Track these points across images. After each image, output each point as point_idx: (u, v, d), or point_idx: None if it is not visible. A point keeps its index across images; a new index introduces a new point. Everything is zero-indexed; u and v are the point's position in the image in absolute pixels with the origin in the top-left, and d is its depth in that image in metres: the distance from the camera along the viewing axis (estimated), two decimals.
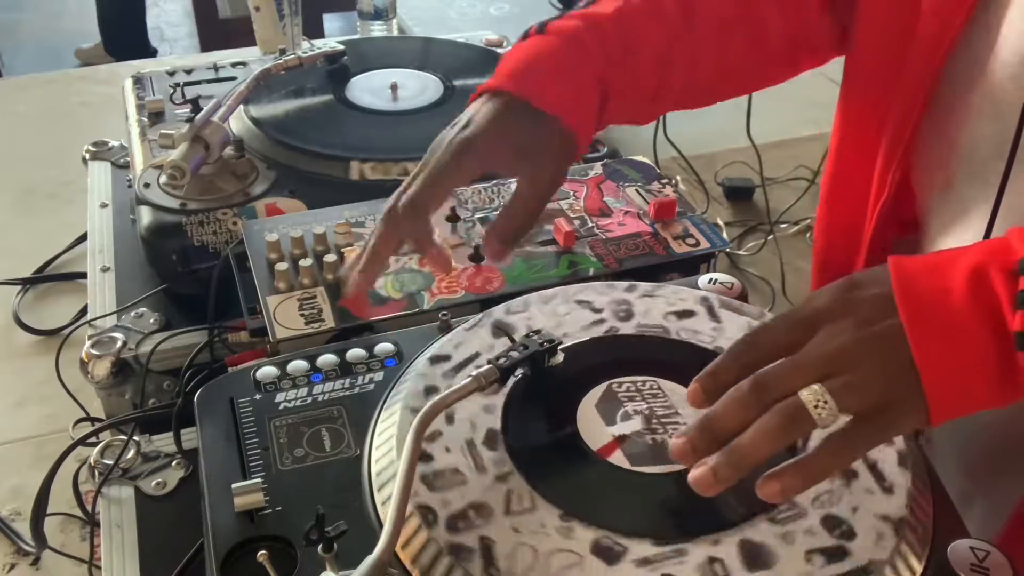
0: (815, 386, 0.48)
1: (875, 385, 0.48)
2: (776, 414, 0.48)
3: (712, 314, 0.69)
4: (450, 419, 0.59)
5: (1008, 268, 0.49)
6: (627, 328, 0.67)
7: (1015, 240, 0.50)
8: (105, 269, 0.93)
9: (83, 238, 1.10)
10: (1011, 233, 0.51)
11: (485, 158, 0.67)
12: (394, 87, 1.05)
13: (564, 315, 0.68)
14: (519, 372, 0.61)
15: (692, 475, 0.50)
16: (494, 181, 0.89)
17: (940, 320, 0.49)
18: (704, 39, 0.73)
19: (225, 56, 1.20)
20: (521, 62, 0.69)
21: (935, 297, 0.49)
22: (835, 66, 0.86)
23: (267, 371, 0.66)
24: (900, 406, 0.49)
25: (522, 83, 0.67)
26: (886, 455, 0.57)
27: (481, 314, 0.69)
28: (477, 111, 0.68)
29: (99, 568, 0.65)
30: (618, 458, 0.57)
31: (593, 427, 0.59)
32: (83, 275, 1.03)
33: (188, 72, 1.11)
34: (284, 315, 0.73)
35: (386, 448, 0.58)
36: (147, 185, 0.89)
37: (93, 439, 0.74)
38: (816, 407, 0.48)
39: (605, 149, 0.98)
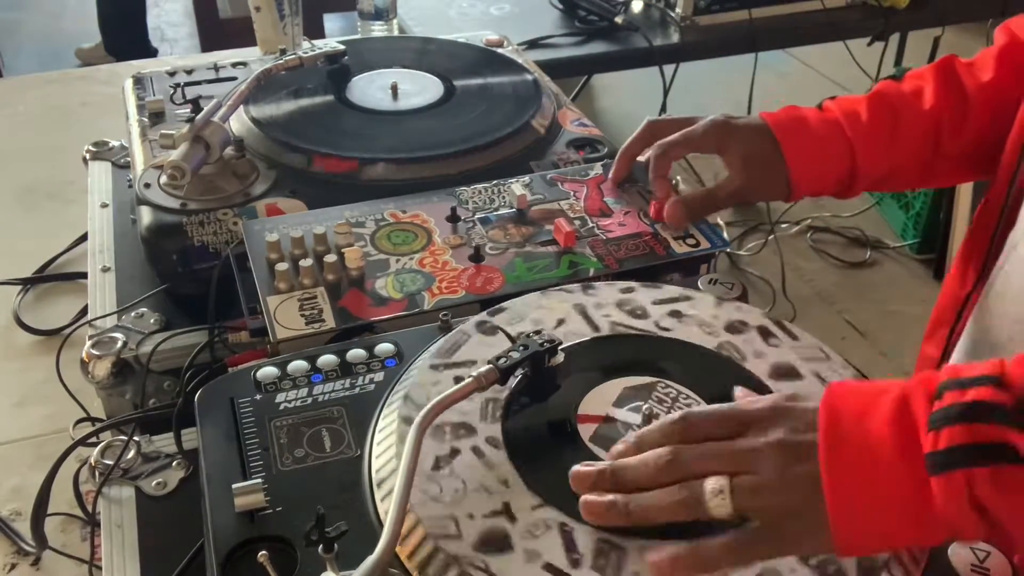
0: (721, 478, 0.50)
1: (777, 494, 0.50)
2: (678, 490, 0.51)
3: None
4: (450, 427, 0.59)
5: (929, 393, 0.49)
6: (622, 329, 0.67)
7: (946, 370, 0.50)
8: (105, 269, 0.93)
9: (83, 238, 1.10)
10: (948, 368, 0.51)
11: (724, 142, 0.83)
12: (394, 87, 1.05)
13: (560, 318, 0.68)
14: (519, 372, 0.61)
15: (588, 498, 0.53)
16: (495, 181, 0.89)
17: (856, 445, 0.49)
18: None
19: (225, 56, 1.20)
20: (794, 122, 0.83)
21: (856, 422, 0.49)
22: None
23: (267, 371, 0.66)
24: (800, 523, 0.49)
25: (786, 134, 0.82)
26: None
27: (483, 312, 0.69)
28: (750, 117, 0.84)
29: (99, 568, 0.65)
30: (586, 431, 0.58)
31: (602, 401, 0.60)
32: (83, 275, 1.03)
33: (188, 72, 1.11)
34: (284, 315, 0.73)
35: (386, 448, 0.58)
36: (147, 185, 0.89)
37: (93, 439, 0.73)
38: (713, 497, 0.50)
39: (605, 149, 0.98)
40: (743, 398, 0.58)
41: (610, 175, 0.90)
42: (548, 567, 0.51)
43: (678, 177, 0.87)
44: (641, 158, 0.88)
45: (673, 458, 0.52)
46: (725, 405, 0.54)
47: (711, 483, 0.50)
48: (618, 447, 0.55)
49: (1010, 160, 0.78)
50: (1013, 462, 0.46)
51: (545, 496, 0.55)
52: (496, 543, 0.52)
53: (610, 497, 0.52)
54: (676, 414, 0.54)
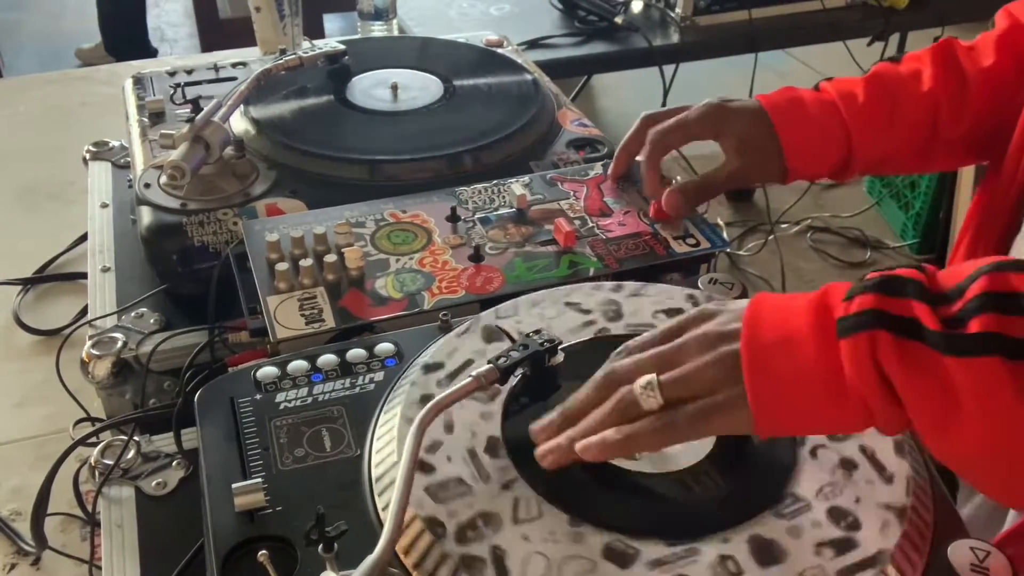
0: (649, 376, 0.52)
1: (701, 380, 0.51)
2: (613, 400, 0.53)
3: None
4: (449, 427, 0.59)
5: (850, 285, 0.50)
6: (617, 328, 0.67)
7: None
8: (105, 269, 0.93)
9: (83, 238, 1.10)
10: None
11: (719, 126, 0.83)
12: (394, 87, 1.05)
13: (552, 318, 0.68)
14: (519, 372, 0.61)
15: (540, 448, 0.55)
16: (495, 181, 0.89)
17: (775, 324, 0.51)
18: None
19: (225, 56, 1.20)
20: (790, 104, 0.82)
21: (778, 311, 0.51)
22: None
23: (267, 371, 0.66)
24: (722, 401, 0.51)
25: (781, 117, 0.81)
26: (883, 445, 0.57)
27: (480, 314, 0.69)
28: (745, 100, 0.84)
29: (99, 568, 0.65)
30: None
31: None
32: (83, 275, 1.03)
33: (188, 72, 1.11)
34: (284, 315, 0.73)
35: (386, 448, 0.58)
36: (147, 185, 0.89)
37: (93, 439, 0.73)
38: (642, 394, 0.52)
39: (605, 149, 0.98)
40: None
41: (609, 172, 0.90)
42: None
43: (677, 177, 0.87)
44: (640, 157, 0.88)
45: (607, 374, 0.55)
46: (660, 325, 0.57)
47: (639, 383, 0.52)
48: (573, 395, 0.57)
49: (1014, 166, 0.77)
50: (915, 337, 0.47)
51: (546, 495, 0.55)
52: (508, 552, 0.52)
53: (556, 439, 0.55)
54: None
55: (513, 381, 0.62)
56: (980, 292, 0.46)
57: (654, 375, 0.52)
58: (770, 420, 0.50)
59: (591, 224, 0.84)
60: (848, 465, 0.56)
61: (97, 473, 0.70)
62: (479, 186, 0.89)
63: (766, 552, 0.52)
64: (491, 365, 0.59)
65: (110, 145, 1.13)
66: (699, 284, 0.75)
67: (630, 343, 0.57)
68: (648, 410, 0.52)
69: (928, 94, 0.82)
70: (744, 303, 0.54)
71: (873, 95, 0.82)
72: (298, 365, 0.67)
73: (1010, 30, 0.82)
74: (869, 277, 0.50)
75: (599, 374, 0.56)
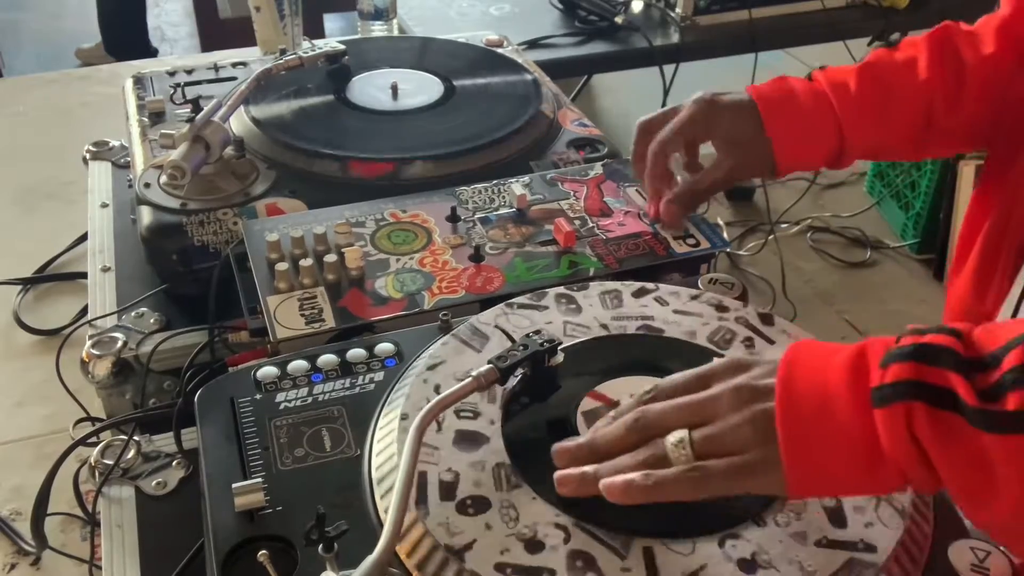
0: (681, 432, 0.52)
1: (734, 438, 0.50)
2: (644, 450, 0.53)
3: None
4: (450, 427, 0.59)
5: (888, 344, 0.49)
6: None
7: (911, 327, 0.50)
8: (106, 269, 0.93)
9: (84, 238, 1.11)
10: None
11: (710, 125, 0.82)
12: (394, 87, 1.05)
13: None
14: (519, 372, 0.61)
15: (561, 473, 0.54)
16: (495, 181, 0.89)
17: (810, 383, 0.50)
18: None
19: (226, 56, 1.20)
20: (781, 96, 0.82)
21: (815, 371, 0.50)
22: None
23: (267, 371, 0.66)
24: (753, 465, 0.50)
25: (770, 110, 0.81)
26: None
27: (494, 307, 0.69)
28: (733, 93, 0.83)
29: (99, 568, 0.65)
30: (591, 415, 0.59)
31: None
32: (83, 275, 1.03)
33: (189, 72, 1.11)
34: (285, 315, 0.73)
35: (386, 448, 0.58)
36: (147, 185, 0.89)
37: (93, 439, 0.73)
38: (674, 451, 0.51)
39: (605, 149, 0.98)
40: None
41: (647, 206, 0.86)
42: (549, 567, 0.51)
43: (679, 177, 0.87)
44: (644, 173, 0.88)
45: (639, 417, 0.54)
46: (691, 369, 0.56)
47: (672, 436, 0.52)
48: (598, 423, 0.57)
49: None
50: (951, 409, 0.46)
51: (546, 495, 0.55)
52: (496, 543, 0.52)
53: (581, 468, 0.54)
54: (648, 385, 0.56)
55: (513, 381, 0.62)
56: (1016, 364, 0.45)
57: (686, 432, 0.51)
58: (802, 484, 0.50)
59: (591, 224, 0.84)
60: None
61: (97, 473, 0.70)
62: (479, 186, 0.89)
63: (764, 553, 0.52)
64: (491, 365, 0.59)
65: (110, 145, 1.13)
66: (699, 284, 0.75)
67: (661, 385, 0.56)
68: (677, 467, 0.51)
69: (923, 84, 0.80)
70: (778, 355, 0.52)
71: (866, 85, 0.80)
72: (298, 365, 0.67)
73: (1013, 15, 0.80)
74: (905, 341, 0.48)
75: (630, 416, 0.54)
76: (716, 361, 0.55)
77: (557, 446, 0.56)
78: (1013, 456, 0.44)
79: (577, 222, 0.84)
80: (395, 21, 1.56)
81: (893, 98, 0.80)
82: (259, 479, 0.57)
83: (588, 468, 0.54)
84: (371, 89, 1.05)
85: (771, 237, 2.06)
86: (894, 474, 0.48)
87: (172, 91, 1.04)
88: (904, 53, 0.82)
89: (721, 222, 2.08)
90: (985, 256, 0.80)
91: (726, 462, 0.50)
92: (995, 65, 0.79)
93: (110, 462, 0.70)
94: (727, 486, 0.51)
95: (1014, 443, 0.44)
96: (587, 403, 0.61)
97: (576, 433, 0.59)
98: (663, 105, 1.68)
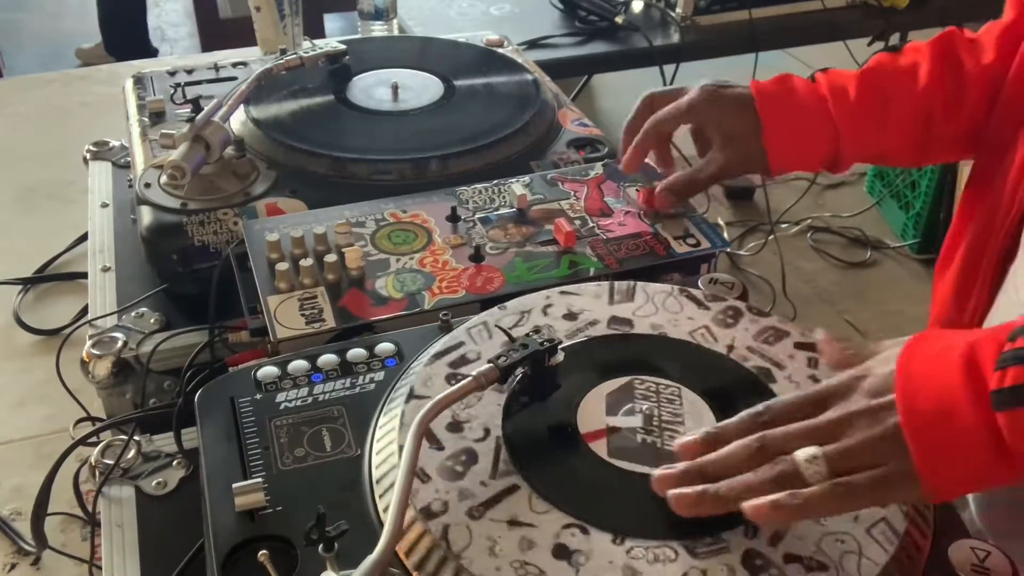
0: (812, 448, 0.51)
1: (867, 455, 0.50)
2: (772, 466, 0.51)
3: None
4: (450, 427, 0.59)
5: (999, 340, 0.49)
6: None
7: (1019, 320, 0.50)
8: (106, 269, 0.93)
9: (84, 238, 1.11)
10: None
11: (709, 115, 0.82)
12: (394, 87, 1.05)
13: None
14: (519, 371, 0.61)
15: (676, 492, 0.53)
16: (495, 181, 0.89)
17: (930, 395, 0.50)
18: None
19: (226, 56, 1.20)
20: (781, 94, 0.82)
21: (930, 373, 0.50)
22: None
23: (268, 371, 0.66)
24: (891, 475, 0.50)
25: (768, 109, 0.80)
26: None
27: (482, 314, 0.69)
28: (738, 86, 0.83)
29: (99, 568, 0.65)
30: (600, 447, 0.58)
31: (593, 416, 0.60)
32: (84, 275, 1.03)
33: (189, 72, 1.11)
34: (285, 315, 0.73)
35: (386, 448, 0.58)
36: (148, 185, 0.89)
37: (94, 439, 0.73)
38: (808, 467, 0.50)
39: (605, 149, 0.98)
40: (826, 342, 0.62)
41: (619, 159, 0.89)
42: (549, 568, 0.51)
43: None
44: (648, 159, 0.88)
45: (762, 444, 0.52)
46: (803, 391, 0.55)
47: (801, 454, 0.51)
48: (687, 440, 0.55)
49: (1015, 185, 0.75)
50: None
51: (546, 495, 0.55)
52: (496, 542, 0.52)
53: (700, 487, 0.52)
54: (757, 406, 0.55)
55: (513, 381, 0.62)
56: None
57: (818, 448, 0.51)
58: (940, 489, 0.50)
59: (591, 224, 0.84)
60: None
61: (97, 473, 0.70)
62: (479, 186, 0.89)
63: (761, 553, 0.52)
64: (491, 364, 0.59)
65: (110, 145, 1.13)
66: (699, 284, 0.75)
67: (773, 406, 0.54)
68: (811, 482, 0.51)
69: (923, 91, 0.80)
70: (890, 363, 0.52)
71: (865, 92, 0.80)
72: (298, 365, 0.67)
73: (1016, 22, 0.80)
74: (1020, 343, 0.48)
75: (752, 440, 0.53)
76: (830, 381, 0.54)
77: (660, 475, 0.54)
78: None
79: (577, 222, 0.84)
80: (395, 21, 1.56)
81: (892, 105, 0.80)
82: (259, 479, 0.57)
83: (708, 486, 0.52)
84: (371, 89, 1.05)
85: (771, 237, 2.06)
86: (1021, 467, 0.49)
87: (172, 91, 1.05)
88: (906, 59, 0.82)
89: (721, 222, 2.08)
90: (967, 263, 0.80)
91: (868, 476, 0.50)
92: (996, 73, 0.79)
93: (110, 462, 0.70)
94: (871, 499, 0.51)
95: None
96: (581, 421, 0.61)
97: (577, 434, 0.59)
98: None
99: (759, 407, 0.55)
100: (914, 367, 0.51)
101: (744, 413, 0.55)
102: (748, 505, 0.50)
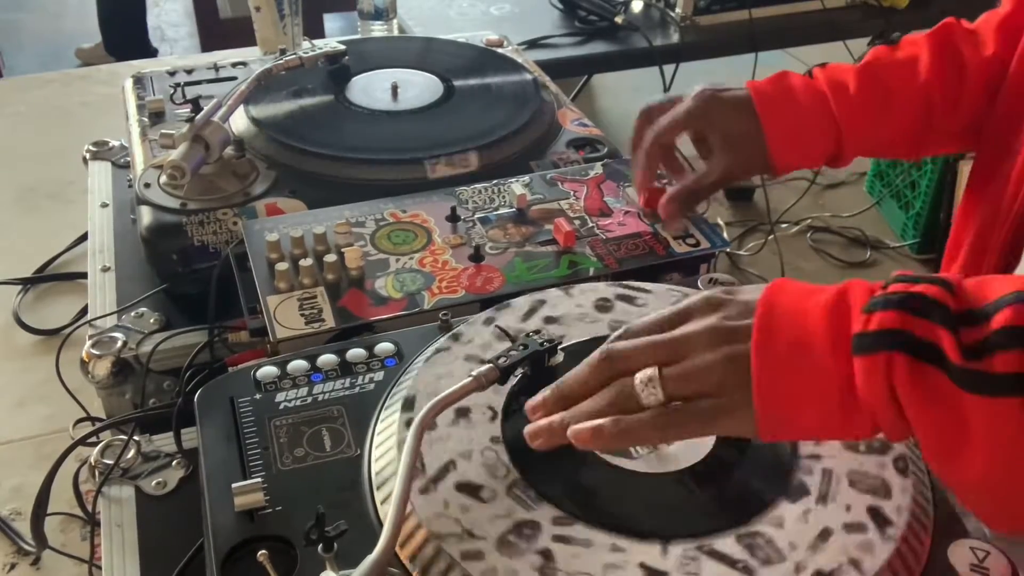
0: (650, 370, 0.50)
1: (707, 377, 0.49)
2: (610, 389, 0.51)
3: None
4: (450, 427, 0.59)
5: (871, 289, 0.48)
6: None
7: (896, 272, 0.49)
8: (105, 269, 0.93)
9: (83, 238, 1.11)
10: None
11: (709, 121, 0.81)
12: (394, 87, 1.05)
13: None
14: (519, 371, 0.61)
15: (531, 426, 0.53)
16: (495, 181, 0.89)
17: (788, 326, 0.48)
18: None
19: (226, 56, 1.20)
20: (780, 94, 0.80)
21: (793, 314, 0.49)
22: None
23: (267, 371, 0.66)
24: (727, 408, 0.49)
25: (768, 110, 0.79)
26: (887, 456, 0.57)
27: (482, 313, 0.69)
28: (735, 89, 0.81)
29: (99, 568, 0.65)
30: None
31: None
32: (83, 275, 1.03)
33: (188, 72, 1.11)
34: (284, 315, 0.73)
35: (386, 448, 0.58)
36: (147, 185, 0.89)
37: (93, 439, 0.73)
38: (644, 387, 0.50)
39: (605, 149, 0.98)
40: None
41: (639, 199, 0.87)
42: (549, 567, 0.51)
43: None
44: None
45: (606, 355, 0.52)
46: (665, 309, 0.54)
47: (639, 376, 0.50)
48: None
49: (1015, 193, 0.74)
50: (934, 363, 0.45)
51: (547, 495, 0.55)
52: (496, 543, 0.52)
53: (549, 418, 0.53)
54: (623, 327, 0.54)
55: (513, 381, 0.62)
56: (1006, 324, 0.44)
57: (655, 369, 0.50)
58: (775, 427, 0.49)
59: (591, 224, 0.84)
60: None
61: (97, 473, 0.70)
62: (479, 186, 0.89)
63: (760, 551, 0.52)
64: (491, 365, 0.59)
65: (110, 145, 1.13)
66: (699, 284, 0.75)
67: (632, 325, 0.54)
68: (647, 405, 0.50)
69: (923, 84, 0.79)
70: (755, 293, 0.51)
71: (865, 85, 0.79)
72: (298, 365, 0.67)
73: (1014, 13, 0.79)
74: (892, 289, 0.47)
75: (596, 354, 0.53)
76: (690, 298, 0.53)
77: (529, 402, 0.55)
78: (992, 419, 0.44)
79: (577, 222, 0.84)
80: (395, 21, 1.56)
81: (892, 98, 0.80)
82: (259, 479, 0.57)
83: (555, 416, 0.52)
84: (371, 89, 1.05)
85: (771, 237, 2.06)
86: (867, 422, 0.47)
87: (172, 91, 1.05)
88: (905, 52, 0.81)
89: (721, 222, 2.08)
90: (971, 260, 0.80)
91: (696, 405, 0.49)
92: (995, 65, 0.78)
93: (110, 462, 0.70)
94: (697, 430, 0.50)
95: (995, 406, 0.44)
96: None
97: None
98: None
99: (621, 330, 0.54)
100: (779, 299, 0.50)
101: (611, 336, 0.54)
102: (572, 430, 0.50)
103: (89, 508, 0.70)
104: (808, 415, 0.48)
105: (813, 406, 0.48)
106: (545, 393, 0.55)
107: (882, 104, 0.80)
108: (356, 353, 0.68)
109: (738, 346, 0.49)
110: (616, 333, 0.54)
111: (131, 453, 0.71)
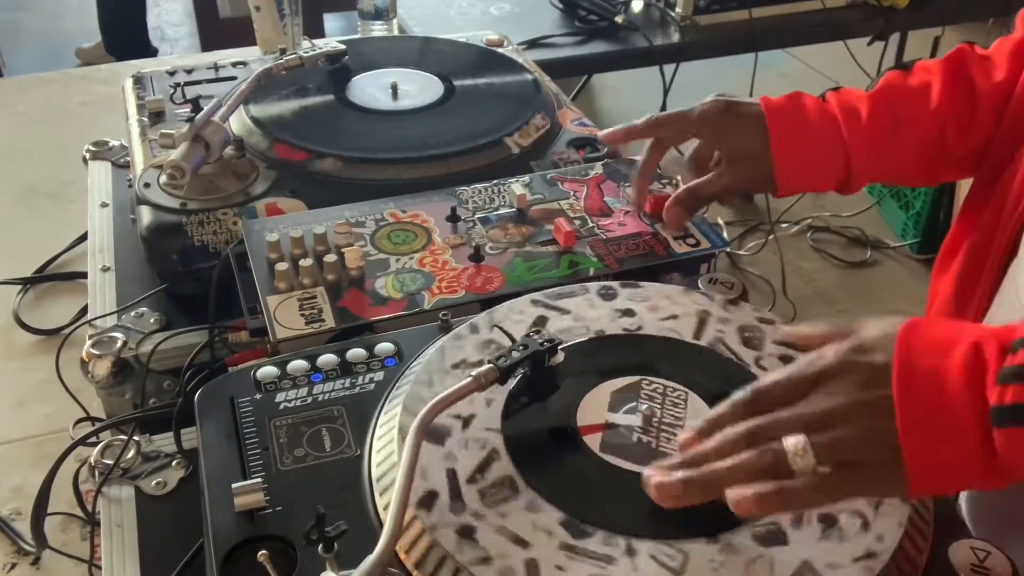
0: (800, 436, 0.50)
1: (856, 448, 0.50)
2: (758, 454, 0.51)
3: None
4: (450, 427, 0.59)
5: (1005, 345, 0.49)
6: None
7: (1021, 327, 0.50)
8: (105, 269, 0.93)
9: (83, 238, 1.10)
10: None
11: (719, 132, 0.82)
12: (394, 87, 1.05)
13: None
14: (519, 372, 0.61)
15: (658, 480, 0.52)
16: (495, 181, 0.89)
17: (929, 402, 0.50)
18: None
19: (225, 56, 1.20)
20: (792, 115, 0.80)
21: (930, 378, 0.50)
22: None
23: (267, 371, 0.66)
24: (879, 471, 0.50)
25: (779, 130, 0.79)
26: None
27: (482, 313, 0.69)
28: (751, 103, 0.81)
29: (99, 568, 0.65)
30: (594, 440, 0.58)
31: (596, 411, 0.60)
32: (83, 275, 1.03)
33: (188, 72, 1.11)
34: (284, 315, 0.73)
35: (386, 448, 0.58)
36: (147, 185, 0.89)
37: (93, 439, 0.73)
38: (795, 456, 0.50)
39: (605, 149, 0.98)
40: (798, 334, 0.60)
41: (634, 203, 0.87)
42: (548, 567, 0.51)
43: (678, 177, 0.87)
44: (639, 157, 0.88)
45: (748, 432, 0.52)
46: (788, 368, 0.54)
47: (789, 443, 0.50)
48: (686, 435, 0.55)
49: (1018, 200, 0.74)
50: None
51: (547, 496, 0.55)
52: (496, 543, 0.52)
53: (680, 474, 0.52)
54: (744, 389, 0.54)
55: (513, 381, 0.62)
56: None
57: (804, 437, 0.50)
58: (923, 492, 0.52)
59: (591, 224, 0.84)
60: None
61: (97, 473, 0.70)
62: (479, 186, 0.89)
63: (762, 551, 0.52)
64: (491, 365, 0.59)
65: (110, 145, 1.13)
66: (699, 284, 0.75)
67: (760, 388, 0.53)
68: (798, 471, 0.50)
69: (935, 112, 0.79)
70: (888, 349, 0.51)
71: (877, 113, 0.79)
72: (298, 365, 0.67)
73: None
74: (1018, 342, 0.48)
75: (742, 431, 0.52)
76: (816, 361, 0.53)
77: (650, 471, 0.53)
78: None
79: (577, 222, 0.84)
80: (395, 21, 1.56)
81: (904, 127, 0.79)
82: (259, 479, 0.57)
83: (691, 472, 0.51)
84: (371, 89, 1.05)
85: (771, 237, 2.06)
86: (1007, 479, 0.49)
87: (172, 91, 1.05)
88: (918, 78, 0.81)
89: (721, 222, 2.09)
90: (969, 265, 0.80)
91: (852, 472, 0.50)
92: (1008, 90, 0.78)
93: (110, 462, 0.70)
94: (855, 493, 0.52)
95: None
96: (582, 414, 0.61)
97: (576, 434, 0.59)
98: (663, 105, 1.69)
99: (747, 391, 0.54)
100: (915, 361, 0.50)
101: (732, 399, 0.54)
102: (732, 494, 0.50)
103: (89, 508, 0.70)
104: (955, 482, 0.52)
105: (960, 475, 0.51)
106: (669, 463, 0.53)
107: (893, 132, 0.79)
108: (356, 353, 0.68)
109: (883, 421, 0.50)
110: (743, 395, 0.54)
111: (131, 453, 0.71)
